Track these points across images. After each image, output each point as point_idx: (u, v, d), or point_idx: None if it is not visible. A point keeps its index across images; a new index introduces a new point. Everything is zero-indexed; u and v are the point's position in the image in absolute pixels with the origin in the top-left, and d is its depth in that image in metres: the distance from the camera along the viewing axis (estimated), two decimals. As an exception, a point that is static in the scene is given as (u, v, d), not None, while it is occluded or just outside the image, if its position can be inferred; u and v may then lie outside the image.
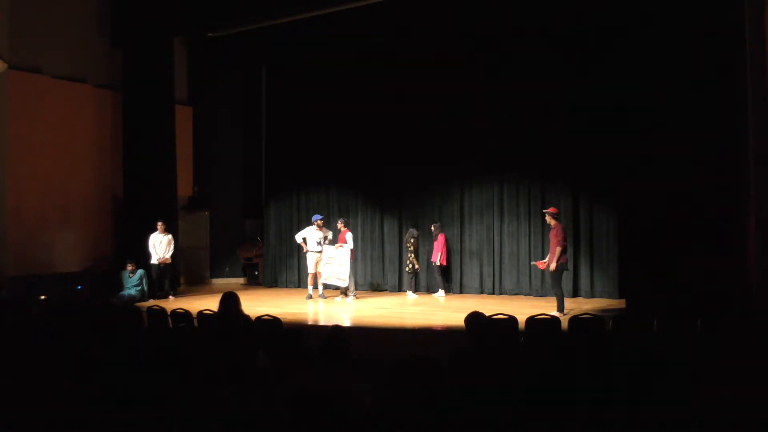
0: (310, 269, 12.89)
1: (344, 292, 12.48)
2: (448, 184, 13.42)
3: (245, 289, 14.76)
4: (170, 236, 13.06)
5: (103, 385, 4.12)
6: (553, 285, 10.29)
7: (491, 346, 4.76)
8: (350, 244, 12.48)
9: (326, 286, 12.78)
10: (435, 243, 12.83)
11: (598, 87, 11.62)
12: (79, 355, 5.18)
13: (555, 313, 9.19)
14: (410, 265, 12.94)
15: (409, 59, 13.51)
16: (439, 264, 12.78)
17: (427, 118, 13.41)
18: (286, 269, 15.07)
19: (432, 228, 12.89)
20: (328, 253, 12.54)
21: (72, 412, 3.89)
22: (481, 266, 13.07)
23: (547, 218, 10.31)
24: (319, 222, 12.86)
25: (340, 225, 12.76)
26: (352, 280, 12.54)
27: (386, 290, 13.86)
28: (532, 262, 11.86)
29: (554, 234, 10.04)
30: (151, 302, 11.17)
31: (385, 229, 14.09)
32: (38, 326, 6.86)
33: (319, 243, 12.77)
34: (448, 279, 13.15)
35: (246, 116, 16.28)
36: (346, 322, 10.15)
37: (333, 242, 12.78)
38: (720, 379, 4.23)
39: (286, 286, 14.94)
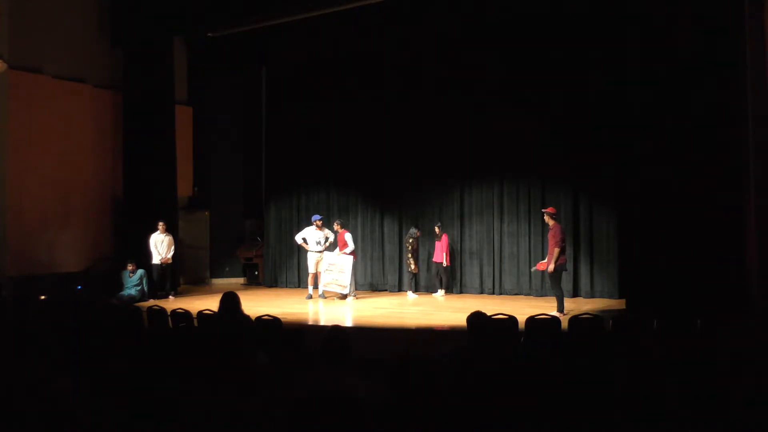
0: (311, 269, 12.89)
1: (342, 296, 12.45)
2: (448, 184, 13.41)
3: (245, 289, 14.76)
4: (171, 236, 13.08)
5: (104, 385, 4.12)
6: (552, 285, 10.28)
7: (491, 346, 4.76)
8: (351, 245, 12.48)
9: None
10: (438, 243, 12.81)
11: (597, 86, 11.63)
12: (79, 355, 5.18)
13: (555, 313, 9.19)
14: (409, 267, 12.95)
15: (409, 59, 13.53)
16: (444, 265, 12.76)
17: (427, 118, 13.40)
18: (286, 269, 15.07)
19: (436, 228, 12.88)
20: (328, 260, 12.54)
21: (72, 412, 3.88)
22: (481, 266, 13.06)
23: (546, 218, 10.30)
24: (318, 222, 12.87)
25: (336, 227, 12.74)
26: (353, 280, 12.53)
27: (386, 290, 13.85)
28: (533, 269, 11.78)
29: (552, 234, 10.03)
30: (151, 302, 11.18)
31: (385, 229, 14.08)
32: (38, 326, 6.85)
33: (318, 243, 12.78)
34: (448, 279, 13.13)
35: (246, 116, 16.27)
36: (346, 322, 10.15)
37: (333, 244, 12.78)
38: (720, 378, 4.23)
39: (286, 286, 14.93)
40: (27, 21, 12.26)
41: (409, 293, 12.99)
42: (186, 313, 7.56)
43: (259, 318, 6.81)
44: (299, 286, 14.62)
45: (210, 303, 8.12)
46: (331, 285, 12.49)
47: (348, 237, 12.59)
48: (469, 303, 11.11)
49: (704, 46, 8.80)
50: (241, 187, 16.39)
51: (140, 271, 12.63)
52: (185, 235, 14.87)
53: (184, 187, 15.17)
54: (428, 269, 13.41)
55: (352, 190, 14.47)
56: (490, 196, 13.05)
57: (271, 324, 6.77)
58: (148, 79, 13.55)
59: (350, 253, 12.47)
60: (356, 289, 12.73)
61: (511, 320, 6.36)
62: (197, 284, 15.42)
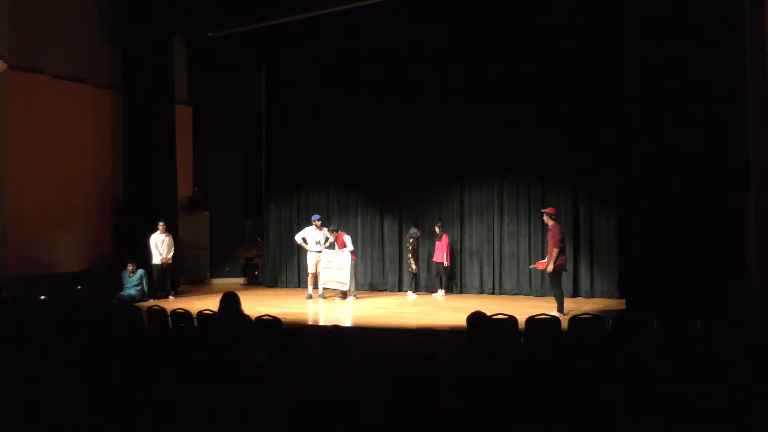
0: (310, 269, 12.89)
1: (343, 295, 12.45)
2: (448, 184, 13.41)
3: (245, 289, 14.75)
4: (171, 236, 13.07)
5: (104, 385, 4.12)
6: (552, 286, 10.28)
7: (491, 346, 4.76)
8: (350, 246, 12.45)
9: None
10: (438, 243, 12.80)
11: (598, 86, 11.63)
12: (79, 355, 5.18)
13: (555, 313, 9.19)
14: (409, 267, 12.96)
15: (409, 59, 13.52)
16: (445, 265, 12.75)
17: (427, 117, 13.40)
18: (286, 269, 15.07)
19: (436, 228, 12.87)
20: (327, 257, 12.52)
21: (72, 412, 3.89)
22: (481, 266, 13.06)
23: (545, 218, 10.29)
24: (317, 222, 12.87)
25: (332, 234, 12.63)
26: (353, 280, 12.52)
27: (386, 290, 13.85)
28: (531, 266, 11.80)
29: (551, 235, 10.02)
30: (151, 302, 11.17)
31: (385, 229, 14.08)
32: (38, 326, 6.85)
33: (318, 243, 12.77)
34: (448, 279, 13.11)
35: (246, 116, 16.27)
36: (346, 322, 10.15)
37: (333, 244, 12.75)
38: (720, 378, 4.23)
39: (286, 286, 14.93)
40: (27, 21, 12.25)
41: (409, 293, 12.99)
42: (186, 313, 7.55)
43: (259, 318, 6.80)
44: (299, 286, 14.62)
45: (210, 303, 8.12)
46: (330, 282, 12.47)
47: (347, 239, 12.56)
48: (469, 303, 11.11)
49: (704, 46, 8.79)
50: (241, 187, 16.39)
51: (140, 271, 12.62)
52: (185, 235, 14.87)
53: (184, 187, 15.16)
54: (428, 269, 13.41)
55: (352, 190, 14.47)
56: (490, 196, 13.05)
57: (271, 324, 6.77)
58: (148, 79, 13.56)
59: (352, 249, 12.46)
60: (356, 289, 12.72)
61: (511, 320, 6.35)
62: (197, 284, 15.42)
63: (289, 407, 3.46)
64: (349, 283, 12.31)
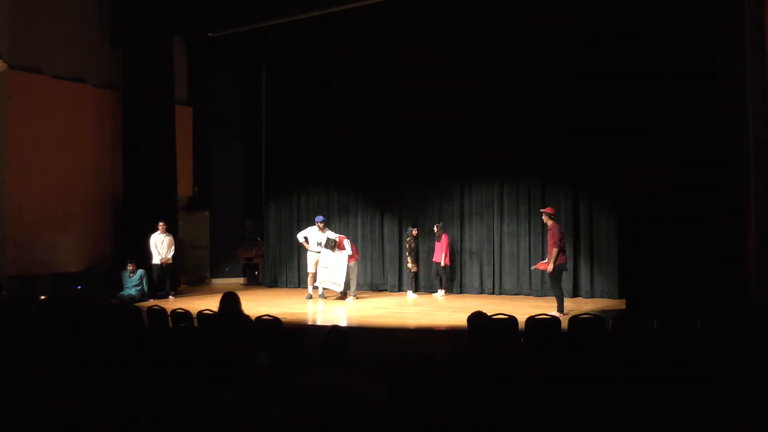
0: (310, 269, 12.88)
1: (343, 295, 12.44)
2: (448, 184, 13.41)
3: (245, 289, 14.76)
4: (171, 236, 13.07)
5: (104, 385, 4.12)
6: (552, 286, 10.28)
7: (491, 346, 4.76)
8: (349, 250, 12.42)
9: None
10: (438, 243, 12.80)
11: (598, 86, 11.61)
12: (79, 355, 5.19)
13: (555, 313, 9.19)
14: (408, 266, 12.97)
15: (409, 59, 13.52)
16: (443, 265, 12.75)
17: (427, 117, 13.39)
18: (286, 269, 15.07)
19: (435, 228, 12.87)
20: (325, 257, 12.51)
21: (72, 412, 3.89)
22: (481, 266, 13.06)
23: (544, 218, 10.29)
24: (320, 224, 12.84)
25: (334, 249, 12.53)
26: (354, 280, 12.51)
27: (386, 290, 13.85)
28: (533, 267, 11.79)
29: (551, 235, 10.02)
30: (151, 302, 11.17)
31: (385, 229, 14.08)
32: (38, 326, 6.85)
33: (319, 243, 12.76)
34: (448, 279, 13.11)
35: (246, 116, 16.28)
36: (345, 322, 10.15)
37: (334, 246, 12.69)
38: (720, 378, 4.23)
39: (286, 286, 14.93)
40: (27, 21, 12.26)
41: (409, 293, 12.99)
42: (186, 313, 7.55)
43: (259, 318, 6.80)
44: (299, 286, 14.62)
45: (210, 303, 8.12)
46: (325, 282, 12.47)
47: (347, 243, 12.53)
48: (469, 303, 11.11)
49: (704, 46, 8.80)
50: (241, 187, 16.40)
51: (140, 271, 12.62)
52: (185, 235, 14.86)
53: (184, 187, 15.16)
54: (428, 269, 13.40)
55: (352, 190, 14.47)
56: (490, 196, 13.05)
57: (271, 324, 6.77)
58: (148, 79, 13.55)
59: (351, 254, 12.44)
60: (356, 289, 12.72)
61: (511, 320, 6.35)
62: (197, 284, 15.42)
63: (289, 407, 3.46)
64: (343, 285, 12.30)
